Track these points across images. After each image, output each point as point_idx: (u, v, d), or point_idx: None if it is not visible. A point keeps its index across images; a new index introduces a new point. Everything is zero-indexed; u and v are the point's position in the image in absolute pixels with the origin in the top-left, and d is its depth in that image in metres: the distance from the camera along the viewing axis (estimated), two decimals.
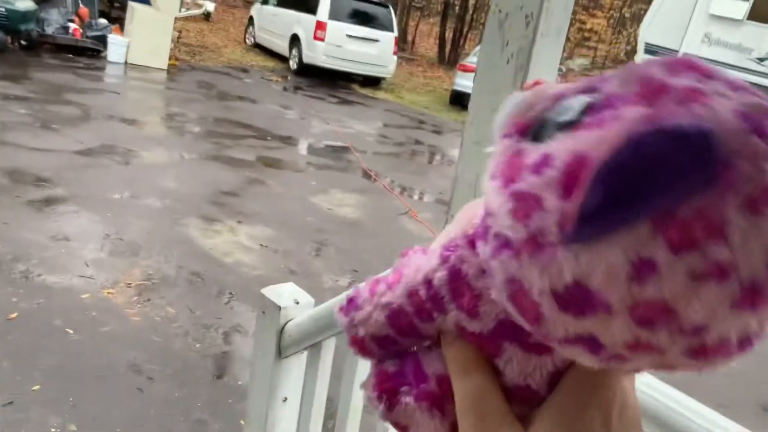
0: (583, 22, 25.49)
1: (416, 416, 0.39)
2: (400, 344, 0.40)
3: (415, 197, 7.66)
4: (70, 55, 11.09)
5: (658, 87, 0.27)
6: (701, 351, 0.29)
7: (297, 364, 1.66)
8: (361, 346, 0.41)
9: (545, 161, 0.27)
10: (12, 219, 4.66)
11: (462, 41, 23.14)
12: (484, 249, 0.31)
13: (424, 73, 20.18)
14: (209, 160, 7.20)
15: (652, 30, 13.56)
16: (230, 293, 4.28)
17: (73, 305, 3.72)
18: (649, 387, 1.02)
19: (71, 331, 3.47)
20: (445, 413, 0.38)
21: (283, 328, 1.62)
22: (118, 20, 12.79)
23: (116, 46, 11.41)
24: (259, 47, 16.90)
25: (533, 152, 0.29)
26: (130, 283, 4.11)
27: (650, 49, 13.67)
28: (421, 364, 0.40)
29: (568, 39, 25.49)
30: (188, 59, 13.50)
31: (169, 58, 12.04)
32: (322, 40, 14.20)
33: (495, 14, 1.07)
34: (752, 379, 5.00)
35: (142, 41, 11.47)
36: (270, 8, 16.43)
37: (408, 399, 0.39)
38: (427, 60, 22.64)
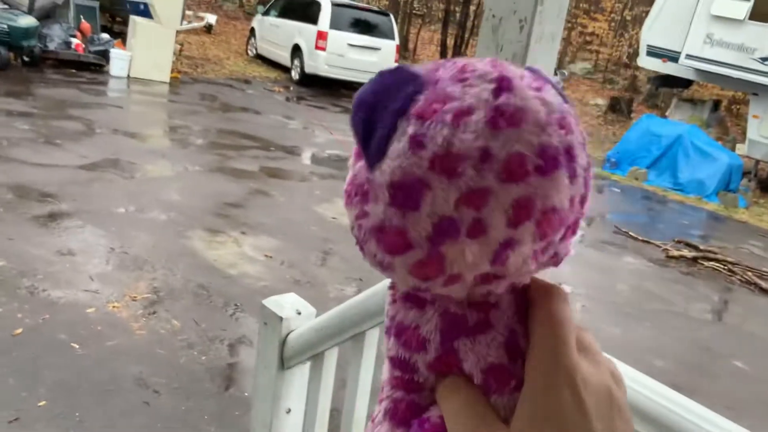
0: (585, 26, 25.49)
1: None
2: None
3: None
4: (73, 70, 11.14)
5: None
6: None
7: (300, 374, 1.65)
8: None
9: None
10: (17, 234, 4.67)
11: (463, 48, 23.15)
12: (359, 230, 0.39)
13: None
14: (213, 171, 7.21)
15: (653, 32, 13.54)
16: (235, 305, 4.28)
17: (79, 320, 3.72)
18: (654, 392, 1.01)
19: (77, 346, 3.47)
20: None
21: (285, 339, 1.61)
22: (120, 35, 12.86)
23: (119, 61, 11.46)
24: (261, 58, 16.95)
25: None
26: (135, 297, 4.11)
27: (652, 51, 13.65)
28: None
29: (569, 43, 25.50)
30: (190, 72, 13.55)
31: (172, 71, 12.08)
32: (324, 49, 14.23)
33: (489, 19, 1.07)
34: (762, 380, 4.96)
35: (144, 55, 11.52)
36: (271, 19, 16.48)
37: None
38: None
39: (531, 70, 0.38)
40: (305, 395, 1.68)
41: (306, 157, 9.04)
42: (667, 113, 16.26)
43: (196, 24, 16.08)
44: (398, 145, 0.35)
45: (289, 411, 1.68)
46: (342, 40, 14.34)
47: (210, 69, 14.41)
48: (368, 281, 4.86)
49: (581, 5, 25.22)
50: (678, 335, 5.47)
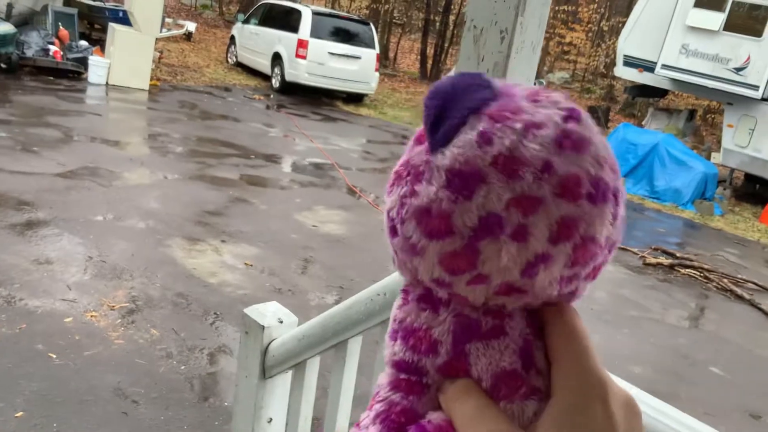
0: (563, 36, 25.73)
1: None
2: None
3: None
4: (51, 78, 11.04)
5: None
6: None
7: (282, 383, 1.65)
8: None
9: None
10: None
11: (443, 57, 23.29)
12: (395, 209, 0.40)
13: (406, 88, 20.28)
14: (192, 179, 7.17)
15: (630, 42, 13.71)
16: (215, 314, 4.25)
17: (56, 329, 3.68)
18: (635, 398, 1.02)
19: (54, 356, 3.42)
20: None
21: (267, 348, 1.61)
22: (98, 42, 12.77)
23: (97, 68, 11.37)
24: (241, 66, 16.92)
25: None
26: (113, 306, 4.07)
27: (629, 61, 13.82)
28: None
29: (548, 53, 25.74)
30: (170, 79, 13.48)
31: (151, 79, 12.01)
32: (304, 57, 14.23)
33: (470, 30, 1.08)
34: (739, 386, 5.02)
35: (123, 62, 11.45)
36: (251, 27, 16.46)
37: None
38: (409, 76, 22.76)
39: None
40: (287, 404, 1.67)
41: (286, 165, 9.02)
42: (643, 122, 16.47)
43: (175, 31, 16.03)
44: (466, 136, 0.37)
45: (270, 420, 1.67)
46: (322, 48, 14.36)
47: (190, 77, 14.35)
48: (349, 289, 4.86)
49: (559, 16, 25.46)
50: (655, 342, 5.52)
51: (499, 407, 0.39)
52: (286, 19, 15.08)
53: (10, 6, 11.23)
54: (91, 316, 3.90)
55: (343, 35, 14.92)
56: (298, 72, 14.32)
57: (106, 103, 10.68)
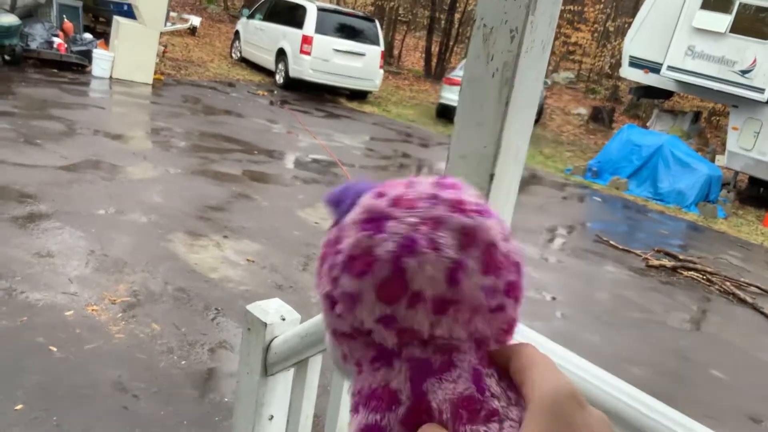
0: (568, 36, 25.67)
1: None
2: None
3: None
4: (55, 70, 11.04)
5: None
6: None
7: (283, 381, 1.64)
8: None
9: None
10: None
11: (448, 55, 23.26)
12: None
13: (410, 86, 20.25)
14: (195, 174, 7.16)
15: (636, 43, 13.68)
16: (216, 309, 4.24)
17: (57, 323, 3.68)
18: (633, 399, 1.01)
19: (54, 349, 3.42)
20: None
21: (269, 345, 1.60)
22: (103, 35, 12.76)
23: (101, 61, 11.37)
24: (245, 61, 16.91)
25: None
26: (114, 300, 4.07)
27: (634, 62, 13.79)
28: None
29: (553, 52, 25.65)
30: (174, 74, 13.47)
31: (155, 73, 12.01)
32: (309, 54, 14.22)
33: (480, 28, 1.07)
34: (740, 389, 5.01)
35: (127, 56, 11.44)
36: (256, 22, 16.44)
37: None
38: (414, 74, 22.72)
39: None
40: (288, 402, 1.67)
41: (289, 161, 9.01)
42: (648, 124, 16.45)
43: (180, 26, 16.02)
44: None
45: (271, 418, 1.66)
46: (327, 44, 14.34)
47: (193, 71, 14.34)
48: None
49: (565, 15, 25.41)
50: (657, 344, 5.51)
51: None
52: (291, 15, 15.06)
53: None
54: (92, 309, 3.90)
55: (347, 32, 14.90)
56: (303, 68, 14.31)
57: (109, 97, 10.68)
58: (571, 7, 25.11)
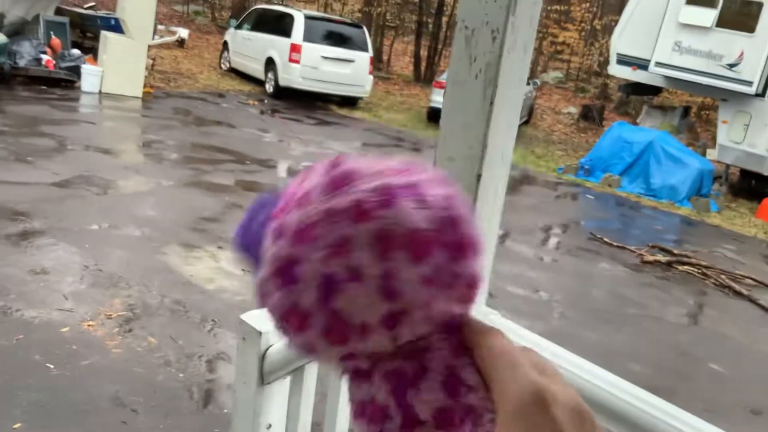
0: (556, 36, 25.76)
1: None
2: None
3: None
4: (44, 87, 11.02)
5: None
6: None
7: (280, 389, 1.64)
8: None
9: None
10: None
11: (437, 59, 23.31)
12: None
13: (400, 91, 20.29)
14: (188, 186, 7.16)
15: (623, 41, 13.74)
16: (213, 320, 4.24)
17: (53, 339, 3.66)
18: (632, 396, 1.02)
19: (51, 366, 3.41)
20: None
21: (264, 354, 1.59)
22: (91, 50, 12.74)
23: (90, 76, 11.36)
24: (234, 72, 16.91)
25: None
26: (110, 315, 4.06)
27: (622, 60, 13.85)
28: None
29: (541, 52, 25.76)
30: (163, 86, 13.47)
31: (144, 86, 12.00)
32: (298, 62, 14.24)
33: (462, 30, 1.07)
34: (738, 382, 5.02)
35: (116, 70, 11.44)
36: (244, 33, 16.46)
37: None
38: (403, 78, 22.77)
39: None
40: (286, 410, 1.66)
41: (282, 170, 9.01)
42: (638, 120, 16.50)
43: (168, 38, 16.01)
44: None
45: (269, 427, 1.66)
46: (316, 52, 14.37)
47: (183, 83, 14.34)
48: None
49: (552, 15, 25.51)
50: (654, 339, 5.52)
51: None
52: (279, 24, 15.08)
53: (1, 16, 11.22)
54: (88, 325, 3.89)
55: (336, 39, 14.93)
56: (292, 76, 14.32)
57: (99, 112, 10.67)
58: (558, 7, 25.21)
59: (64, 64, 11.46)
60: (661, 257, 7.61)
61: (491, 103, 1.03)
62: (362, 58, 15.10)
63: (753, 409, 4.63)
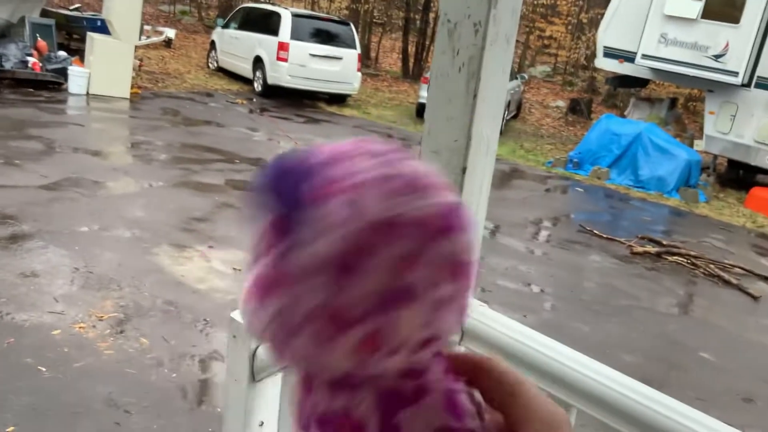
0: (542, 30, 25.80)
1: None
2: None
3: None
4: (31, 90, 10.95)
5: None
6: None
7: (272, 386, 1.64)
8: None
9: None
10: None
11: (424, 55, 23.29)
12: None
13: (389, 87, 20.28)
14: (177, 186, 7.14)
15: (609, 34, 13.78)
16: (205, 320, 4.23)
17: (45, 342, 3.65)
18: (625, 387, 1.03)
19: (43, 369, 3.40)
20: None
21: (255, 351, 1.60)
22: (77, 52, 12.67)
23: (77, 78, 11.29)
24: (222, 71, 16.85)
25: None
26: (102, 317, 4.05)
27: (609, 53, 13.88)
28: None
29: (528, 47, 25.80)
30: (151, 87, 13.41)
31: (132, 87, 11.94)
32: (286, 60, 14.21)
33: (444, 24, 1.08)
34: (729, 370, 5.06)
35: (103, 71, 11.38)
36: (231, 32, 16.40)
37: None
38: (392, 75, 22.75)
39: None
40: (278, 406, 1.67)
41: None
42: (625, 113, 16.55)
43: (155, 39, 15.94)
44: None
45: (262, 424, 1.66)
46: (303, 50, 14.34)
47: (171, 83, 14.28)
48: None
49: (538, 10, 25.55)
50: (645, 330, 5.55)
51: None
52: (266, 23, 15.04)
53: None
54: (80, 327, 3.88)
55: (323, 36, 14.90)
56: (280, 75, 14.29)
57: (87, 113, 10.61)
58: (544, 1, 25.22)
59: (50, 67, 11.39)
60: (651, 248, 7.65)
61: (475, 96, 1.04)
62: (350, 56, 15.08)
63: (744, 396, 4.67)
